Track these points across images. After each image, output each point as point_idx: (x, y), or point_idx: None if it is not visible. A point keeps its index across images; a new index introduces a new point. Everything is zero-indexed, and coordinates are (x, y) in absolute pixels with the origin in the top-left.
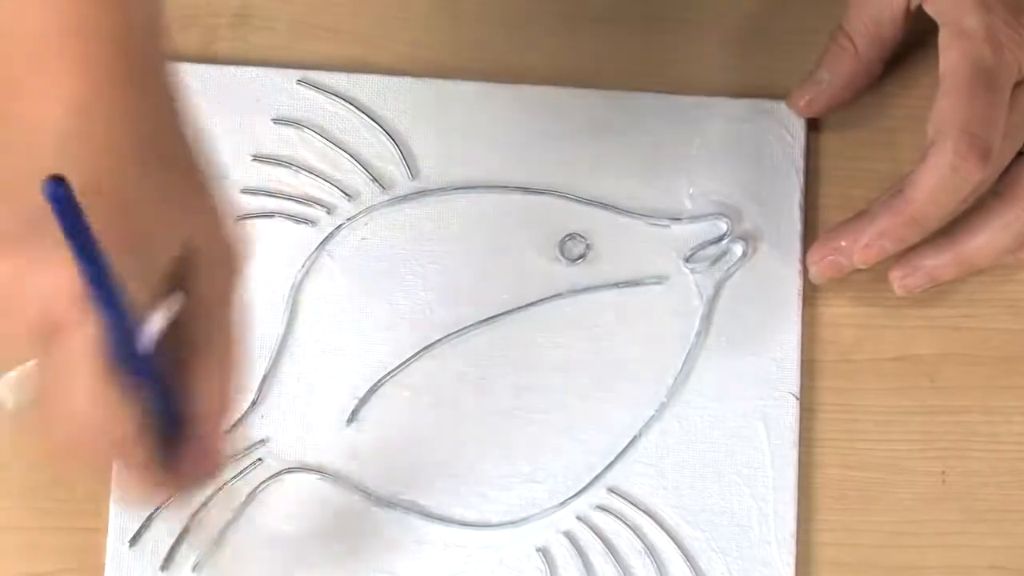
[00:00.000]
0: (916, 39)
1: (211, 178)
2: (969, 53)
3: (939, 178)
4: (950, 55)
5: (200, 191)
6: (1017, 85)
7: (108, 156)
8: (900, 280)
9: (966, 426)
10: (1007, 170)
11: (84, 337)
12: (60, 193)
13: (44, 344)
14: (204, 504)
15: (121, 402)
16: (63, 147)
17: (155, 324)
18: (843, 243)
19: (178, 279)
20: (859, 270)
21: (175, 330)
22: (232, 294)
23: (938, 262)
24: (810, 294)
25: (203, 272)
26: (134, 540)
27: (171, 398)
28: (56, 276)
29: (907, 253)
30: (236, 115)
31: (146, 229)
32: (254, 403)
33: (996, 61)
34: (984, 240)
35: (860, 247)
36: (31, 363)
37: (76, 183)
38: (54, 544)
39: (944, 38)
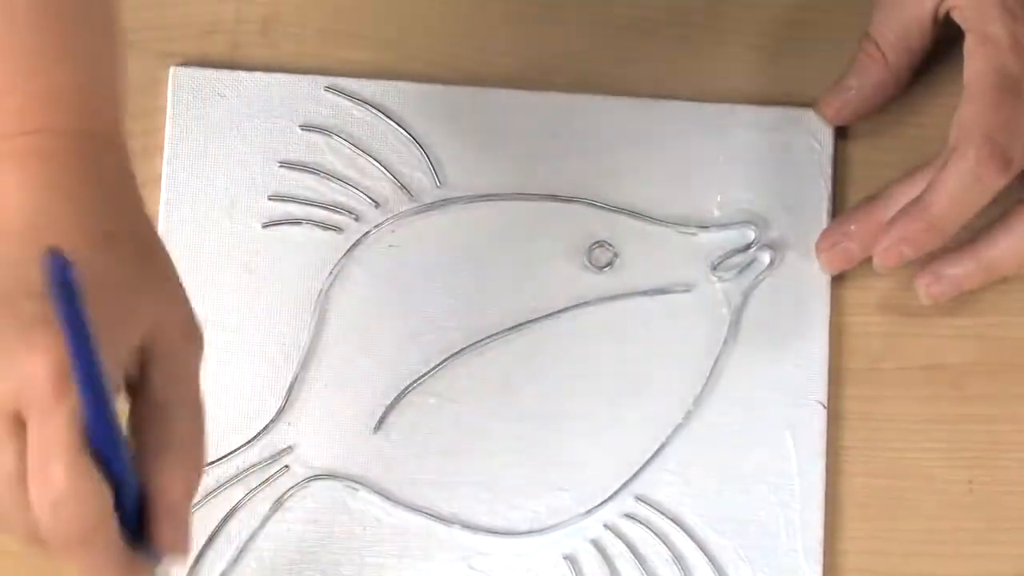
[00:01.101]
0: (945, 47)
1: (170, 260)
2: (994, 60)
3: (960, 184)
4: (974, 62)
5: (164, 274)
6: None
7: (77, 238)
8: (926, 289)
9: (993, 435)
10: None
11: (63, 417)
12: (65, 271)
13: (18, 428)
14: (231, 511)
15: (98, 480)
16: (31, 227)
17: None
18: (852, 227)
19: (139, 362)
20: (883, 277)
21: (137, 412)
22: (192, 375)
23: (963, 270)
24: (837, 303)
25: (164, 354)
26: None
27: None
28: (33, 360)
29: (932, 261)
30: (264, 121)
31: (116, 313)
32: (281, 410)
33: (1020, 69)
34: (1008, 246)
35: (880, 251)
36: None
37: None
38: None
39: (969, 45)
